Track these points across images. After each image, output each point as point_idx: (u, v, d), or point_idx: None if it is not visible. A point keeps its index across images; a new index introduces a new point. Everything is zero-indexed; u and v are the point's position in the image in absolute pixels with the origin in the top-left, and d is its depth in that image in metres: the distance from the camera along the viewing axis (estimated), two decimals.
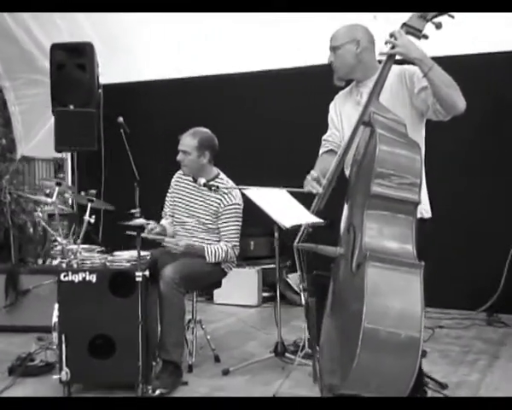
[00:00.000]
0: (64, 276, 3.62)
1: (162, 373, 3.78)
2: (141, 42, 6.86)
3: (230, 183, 4.21)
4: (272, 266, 6.41)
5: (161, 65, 6.92)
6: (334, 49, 3.23)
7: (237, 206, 4.14)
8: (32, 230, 8.46)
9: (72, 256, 3.72)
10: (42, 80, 7.34)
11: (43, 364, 4.09)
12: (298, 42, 6.16)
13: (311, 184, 3.05)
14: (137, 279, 3.55)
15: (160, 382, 3.69)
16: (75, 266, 3.67)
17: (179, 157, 4.17)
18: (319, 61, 6.06)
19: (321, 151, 3.42)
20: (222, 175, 4.25)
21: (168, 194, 4.42)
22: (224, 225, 4.13)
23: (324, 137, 3.43)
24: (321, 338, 3.05)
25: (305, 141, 6.22)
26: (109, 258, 3.73)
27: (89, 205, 3.70)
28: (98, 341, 3.66)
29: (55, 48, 6.57)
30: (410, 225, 2.77)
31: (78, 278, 3.62)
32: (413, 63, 2.97)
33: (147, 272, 3.63)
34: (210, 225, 4.16)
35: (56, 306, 3.70)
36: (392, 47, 2.91)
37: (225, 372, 4.08)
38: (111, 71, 7.01)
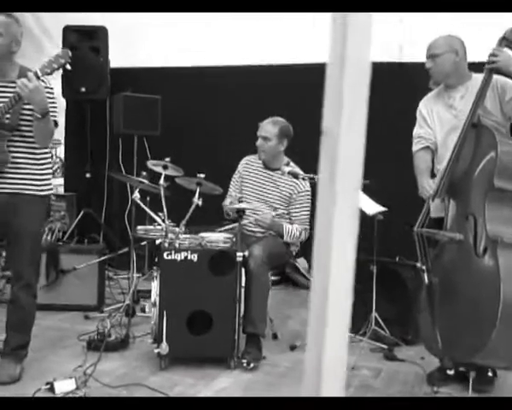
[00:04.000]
0: (167, 255, 3.81)
1: (250, 347, 4.01)
2: (146, 28, 6.91)
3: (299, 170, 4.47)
4: None
5: (168, 52, 7.03)
6: (433, 56, 3.61)
7: (309, 192, 4.40)
8: None
9: (174, 237, 3.90)
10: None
11: (119, 340, 4.24)
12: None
13: (426, 190, 3.49)
14: (238, 259, 3.81)
15: (251, 355, 3.94)
16: (177, 245, 3.86)
17: (259, 143, 4.37)
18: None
19: (416, 148, 3.76)
20: (292, 163, 4.50)
21: (234, 178, 4.59)
22: (298, 209, 4.38)
23: (418, 134, 3.76)
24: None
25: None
26: (206, 239, 3.94)
27: (197, 189, 3.88)
28: (196, 317, 3.87)
29: (68, 30, 6.55)
30: None
31: (180, 257, 3.81)
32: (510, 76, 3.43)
33: (246, 253, 3.88)
34: (280, 210, 4.41)
35: (156, 283, 3.87)
36: (494, 62, 3.36)
37: (293, 348, 4.37)
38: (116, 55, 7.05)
